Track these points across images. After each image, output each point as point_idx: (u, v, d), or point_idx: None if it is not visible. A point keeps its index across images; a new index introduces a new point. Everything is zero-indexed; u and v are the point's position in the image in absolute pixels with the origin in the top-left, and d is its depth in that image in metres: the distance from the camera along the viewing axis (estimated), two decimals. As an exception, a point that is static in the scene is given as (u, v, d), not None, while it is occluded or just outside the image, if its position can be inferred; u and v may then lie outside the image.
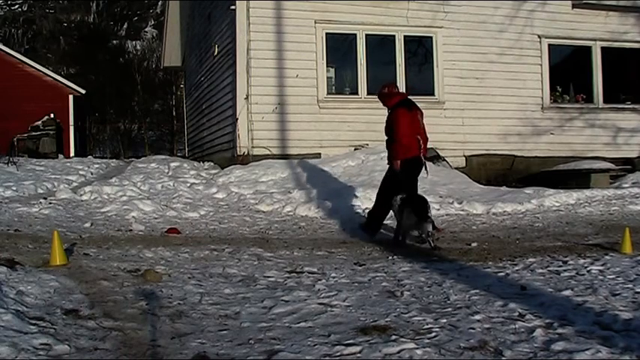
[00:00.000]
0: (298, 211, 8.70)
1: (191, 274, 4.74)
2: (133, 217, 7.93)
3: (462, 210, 8.96)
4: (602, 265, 5.01)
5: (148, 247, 5.82)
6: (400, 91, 7.23)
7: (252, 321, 3.56)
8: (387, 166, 6.99)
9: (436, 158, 11.62)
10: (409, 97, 7.13)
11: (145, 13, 48.94)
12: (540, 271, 4.85)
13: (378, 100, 7.14)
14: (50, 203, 8.59)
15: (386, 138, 6.97)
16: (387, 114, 6.94)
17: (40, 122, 22.16)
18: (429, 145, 7.02)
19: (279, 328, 3.41)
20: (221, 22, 13.29)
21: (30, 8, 45.97)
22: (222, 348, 3.09)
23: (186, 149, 20.35)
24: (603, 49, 13.68)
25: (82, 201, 9.02)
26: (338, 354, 2.98)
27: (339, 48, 12.32)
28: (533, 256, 5.56)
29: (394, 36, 12.41)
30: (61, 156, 19.59)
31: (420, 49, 12.76)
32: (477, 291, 4.15)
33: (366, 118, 11.44)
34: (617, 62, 13.93)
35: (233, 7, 11.65)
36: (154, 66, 38.54)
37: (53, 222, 7.35)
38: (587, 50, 13.70)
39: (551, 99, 13.40)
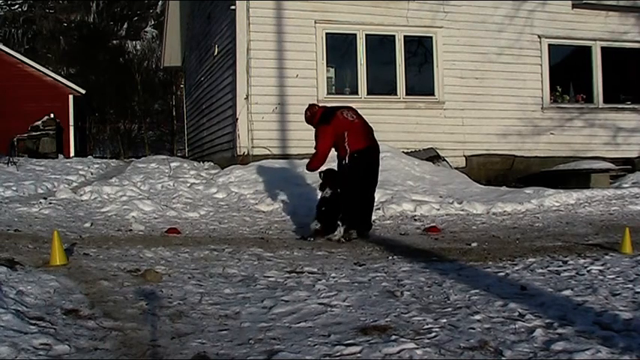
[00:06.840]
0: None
1: (191, 274, 4.73)
2: (133, 217, 7.93)
3: (462, 210, 8.96)
4: (602, 265, 5.01)
5: (148, 247, 5.82)
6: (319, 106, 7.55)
7: (252, 321, 3.56)
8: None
9: (436, 158, 11.61)
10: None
11: (145, 13, 48.92)
12: (540, 271, 4.85)
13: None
14: (50, 203, 8.59)
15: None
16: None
17: (40, 122, 22.13)
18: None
19: (279, 328, 3.41)
20: (221, 22, 13.29)
21: (30, 8, 45.96)
22: (222, 348, 3.09)
23: (186, 149, 20.35)
24: (603, 49, 13.69)
25: (82, 201, 9.01)
26: (338, 354, 2.97)
27: (339, 48, 12.32)
28: (533, 256, 5.56)
29: (394, 36, 12.41)
30: (61, 156, 19.56)
31: (420, 49, 12.76)
32: (477, 291, 4.15)
33: (366, 118, 11.40)
34: (617, 62, 13.94)
35: (233, 7, 11.65)
36: (153, 66, 38.52)
37: (53, 222, 7.35)
38: (587, 50, 13.70)
39: (551, 99, 13.40)
